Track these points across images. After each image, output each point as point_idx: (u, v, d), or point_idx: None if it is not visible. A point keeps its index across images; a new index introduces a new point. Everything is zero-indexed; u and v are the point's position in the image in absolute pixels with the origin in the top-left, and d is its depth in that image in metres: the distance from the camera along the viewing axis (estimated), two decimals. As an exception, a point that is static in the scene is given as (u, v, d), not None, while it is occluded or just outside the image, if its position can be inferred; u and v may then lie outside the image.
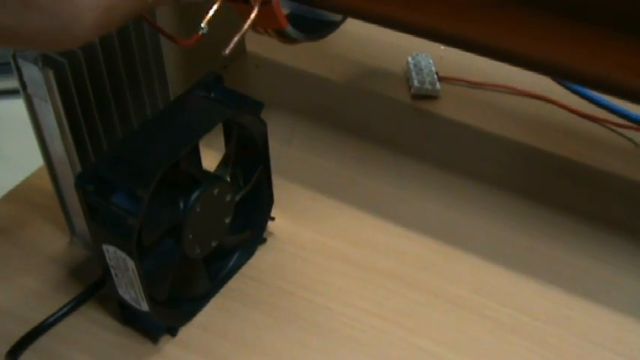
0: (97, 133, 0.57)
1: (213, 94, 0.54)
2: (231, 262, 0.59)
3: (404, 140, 0.71)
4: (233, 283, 0.59)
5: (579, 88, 0.75)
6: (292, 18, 0.63)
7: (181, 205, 0.51)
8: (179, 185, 0.51)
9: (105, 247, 0.50)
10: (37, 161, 0.60)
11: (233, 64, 0.80)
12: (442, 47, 0.77)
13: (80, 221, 0.58)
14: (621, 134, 0.72)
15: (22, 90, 0.54)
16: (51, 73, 0.51)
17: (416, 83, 0.76)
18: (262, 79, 0.80)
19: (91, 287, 0.58)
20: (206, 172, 0.56)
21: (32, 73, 0.52)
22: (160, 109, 0.60)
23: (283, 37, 0.63)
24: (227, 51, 0.54)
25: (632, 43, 0.47)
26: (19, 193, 0.66)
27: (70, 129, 0.54)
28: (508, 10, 0.50)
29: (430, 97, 0.76)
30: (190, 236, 0.52)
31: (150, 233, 0.50)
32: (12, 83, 0.57)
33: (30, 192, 0.66)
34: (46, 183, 0.60)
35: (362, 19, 0.60)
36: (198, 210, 0.51)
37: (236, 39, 0.54)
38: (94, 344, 0.55)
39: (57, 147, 0.56)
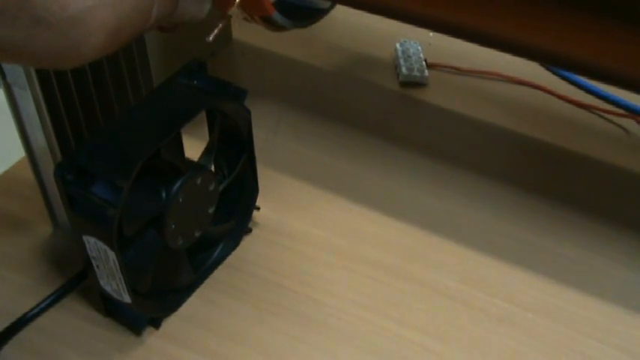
0: (78, 123, 0.56)
1: (195, 82, 0.54)
2: (216, 253, 0.59)
3: (392, 128, 0.71)
4: (218, 274, 0.58)
5: (569, 75, 0.75)
6: (279, 4, 0.62)
7: (163, 194, 0.50)
8: (161, 174, 0.51)
9: (85, 238, 0.49)
10: (19, 152, 0.59)
11: (219, 51, 0.79)
12: (431, 34, 0.76)
13: (63, 212, 0.57)
14: (612, 122, 0.71)
15: (2, 78, 0.53)
16: (30, 61, 0.50)
17: (404, 70, 0.75)
18: (248, 66, 0.79)
19: (74, 279, 0.57)
20: (189, 161, 0.55)
21: (11, 60, 0.51)
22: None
23: (270, 24, 0.62)
24: (211, 38, 0.53)
25: (623, 29, 0.47)
26: (1, 184, 0.65)
27: (50, 118, 0.54)
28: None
29: (418, 84, 0.75)
30: (173, 226, 0.51)
31: (131, 224, 0.49)
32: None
33: (12, 183, 0.65)
34: (29, 174, 0.59)
35: (350, 6, 0.59)
36: (180, 200, 0.51)
37: (220, 26, 0.54)
38: (76, 337, 0.54)
39: (38, 137, 0.55)
